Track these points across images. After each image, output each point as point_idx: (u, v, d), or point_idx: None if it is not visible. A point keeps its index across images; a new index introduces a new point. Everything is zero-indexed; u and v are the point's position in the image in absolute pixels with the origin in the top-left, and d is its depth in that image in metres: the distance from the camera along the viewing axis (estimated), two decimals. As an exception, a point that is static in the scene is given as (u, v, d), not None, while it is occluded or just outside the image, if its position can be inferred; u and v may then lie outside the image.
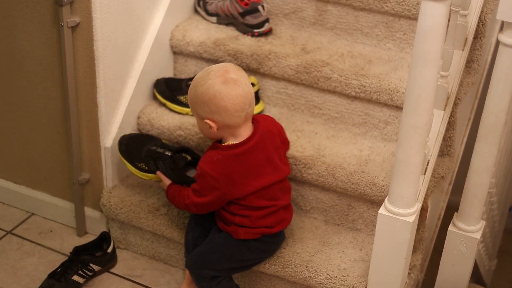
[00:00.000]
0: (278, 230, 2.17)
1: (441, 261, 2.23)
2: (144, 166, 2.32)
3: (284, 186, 2.17)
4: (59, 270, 2.31)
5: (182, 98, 2.48)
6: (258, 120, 2.12)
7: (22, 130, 2.52)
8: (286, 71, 2.41)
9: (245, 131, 2.07)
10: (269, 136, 2.11)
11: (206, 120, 2.04)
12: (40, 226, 2.58)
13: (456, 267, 2.21)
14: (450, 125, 2.27)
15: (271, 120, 2.18)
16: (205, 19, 2.64)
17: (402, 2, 2.37)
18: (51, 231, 2.56)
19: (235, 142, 2.06)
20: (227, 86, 2.00)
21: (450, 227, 2.18)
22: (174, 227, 2.33)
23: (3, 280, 2.35)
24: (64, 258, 2.39)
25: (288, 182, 2.20)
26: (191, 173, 2.24)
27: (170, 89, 2.49)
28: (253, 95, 2.05)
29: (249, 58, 2.44)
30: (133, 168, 2.34)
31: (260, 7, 2.52)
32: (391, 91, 2.28)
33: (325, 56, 2.43)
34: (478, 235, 2.16)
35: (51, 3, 2.22)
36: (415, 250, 2.20)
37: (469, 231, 2.15)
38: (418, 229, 2.14)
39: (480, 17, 2.29)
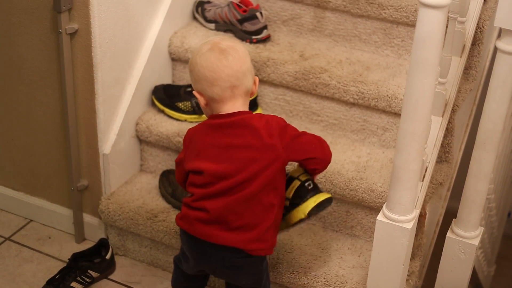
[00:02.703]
0: (190, 232, 1.95)
1: (439, 267, 2.23)
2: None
3: (252, 204, 1.89)
4: (57, 276, 2.31)
5: (180, 104, 2.48)
6: (262, 115, 1.92)
7: (21, 137, 2.52)
8: (284, 78, 2.41)
9: (232, 110, 1.90)
10: (250, 132, 1.88)
11: (194, 92, 1.92)
12: (38, 232, 2.58)
13: (455, 273, 2.20)
14: (448, 131, 2.28)
15: (275, 123, 1.91)
16: (204, 26, 2.64)
17: (400, 9, 2.37)
18: (49, 238, 2.56)
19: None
20: (210, 53, 1.87)
21: (449, 234, 2.18)
22: (172, 233, 2.32)
23: (1, 287, 2.34)
24: (63, 265, 2.39)
25: (265, 205, 1.90)
26: None
27: (169, 96, 2.50)
28: (244, 69, 1.87)
29: (248, 65, 2.44)
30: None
31: (258, 14, 2.52)
32: (389, 97, 2.29)
33: (323, 62, 2.43)
34: (476, 242, 2.16)
35: (49, 10, 2.22)
36: (413, 256, 2.20)
37: (467, 238, 2.15)
38: (416, 235, 2.14)
39: (478, 24, 2.30)
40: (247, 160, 1.88)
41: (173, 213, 2.38)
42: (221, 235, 1.92)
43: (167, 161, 2.52)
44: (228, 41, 1.91)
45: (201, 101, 1.92)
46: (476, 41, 2.32)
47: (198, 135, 1.93)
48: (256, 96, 2.47)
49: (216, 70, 1.86)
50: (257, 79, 1.95)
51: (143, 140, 2.53)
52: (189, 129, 1.98)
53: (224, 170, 1.88)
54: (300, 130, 2.42)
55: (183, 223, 1.97)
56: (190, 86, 2.52)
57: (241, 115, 1.90)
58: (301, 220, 1.97)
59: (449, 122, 2.26)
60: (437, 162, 2.28)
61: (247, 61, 1.90)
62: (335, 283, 2.16)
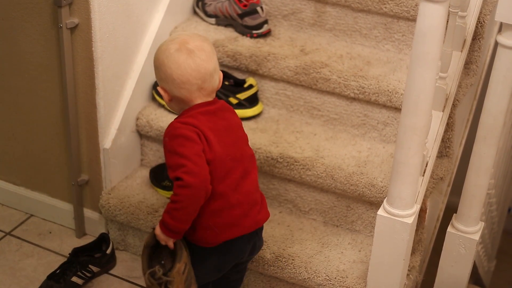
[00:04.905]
0: (243, 233, 1.96)
1: (440, 262, 2.23)
2: (168, 183, 2.36)
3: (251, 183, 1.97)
4: (58, 271, 2.31)
5: (181, 99, 2.48)
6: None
7: (21, 132, 2.52)
8: (285, 72, 2.41)
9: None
10: (234, 114, 1.96)
11: (159, 88, 1.91)
12: (39, 227, 2.58)
13: (455, 268, 2.21)
14: (449, 126, 2.27)
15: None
16: (204, 20, 2.64)
17: (400, 3, 2.37)
18: (50, 232, 2.56)
19: None
20: (178, 55, 1.85)
21: (449, 229, 2.18)
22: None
23: (2, 282, 2.35)
24: (63, 260, 2.39)
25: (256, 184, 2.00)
26: None
27: (169, 91, 2.50)
28: (211, 70, 1.87)
29: (248, 60, 2.44)
30: (161, 190, 2.44)
31: (259, 9, 2.52)
32: (390, 92, 2.29)
33: (324, 57, 2.43)
34: (477, 236, 2.16)
35: (50, 4, 2.22)
36: (414, 251, 2.20)
37: (468, 233, 2.16)
38: (417, 230, 2.14)
39: (478, 18, 2.29)
40: (244, 138, 1.99)
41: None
42: (260, 216, 2.00)
43: (168, 156, 2.52)
44: (196, 40, 1.89)
45: (165, 97, 1.92)
46: (477, 35, 2.32)
47: (203, 126, 1.88)
48: (257, 91, 2.47)
49: (184, 74, 1.85)
50: (221, 74, 1.94)
51: (143, 135, 2.53)
52: (191, 121, 1.88)
53: (235, 152, 1.92)
54: (301, 125, 2.45)
55: (231, 233, 1.94)
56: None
57: (218, 101, 1.95)
58: None
59: (450, 117, 2.26)
60: (437, 157, 2.28)
61: (214, 60, 1.89)
62: (335, 278, 2.16)
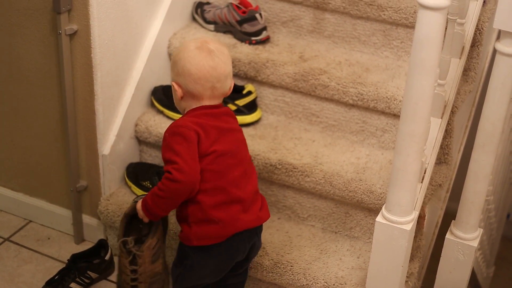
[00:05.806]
0: (240, 229, 2.01)
1: (438, 268, 2.23)
2: (148, 184, 2.36)
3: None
4: (56, 277, 2.31)
5: (180, 105, 2.48)
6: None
7: (20, 138, 2.52)
8: (284, 79, 2.41)
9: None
10: (235, 120, 2.05)
11: (173, 83, 1.99)
12: (37, 233, 2.58)
13: (454, 275, 2.21)
14: (447, 133, 2.28)
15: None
16: (203, 27, 2.64)
17: (399, 10, 2.38)
18: (48, 239, 2.56)
19: None
20: (198, 52, 1.95)
21: (448, 235, 2.18)
22: (171, 234, 2.32)
23: (0, 288, 2.35)
24: (62, 266, 2.39)
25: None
26: None
27: (168, 97, 2.50)
28: (226, 73, 1.97)
29: (247, 66, 2.45)
30: (136, 188, 2.43)
31: (257, 15, 2.52)
32: (389, 99, 2.29)
33: (323, 64, 2.43)
34: (475, 243, 2.16)
35: (49, 10, 2.22)
36: (412, 258, 2.20)
37: (466, 239, 2.16)
38: (415, 237, 2.14)
39: (477, 25, 2.30)
40: (244, 142, 2.06)
41: (172, 214, 2.38)
42: (262, 213, 2.06)
43: (166, 162, 2.52)
44: (216, 43, 1.99)
45: (179, 93, 1.99)
46: (475, 42, 2.32)
47: (206, 124, 1.96)
48: (255, 98, 2.47)
49: (202, 70, 1.94)
50: (233, 82, 2.03)
51: (142, 141, 2.53)
52: (188, 122, 1.94)
53: (235, 151, 2.00)
54: (300, 131, 2.45)
55: (236, 227, 2.00)
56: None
57: (223, 106, 2.04)
58: None
59: (448, 124, 2.26)
60: (436, 163, 2.28)
61: (229, 65, 2.00)
62: (334, 284, 2.16)
